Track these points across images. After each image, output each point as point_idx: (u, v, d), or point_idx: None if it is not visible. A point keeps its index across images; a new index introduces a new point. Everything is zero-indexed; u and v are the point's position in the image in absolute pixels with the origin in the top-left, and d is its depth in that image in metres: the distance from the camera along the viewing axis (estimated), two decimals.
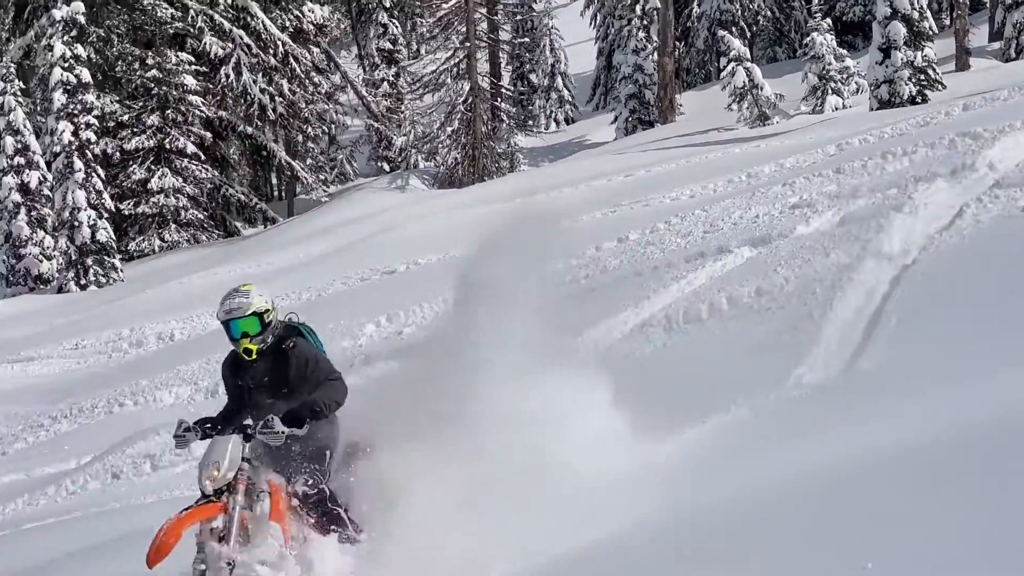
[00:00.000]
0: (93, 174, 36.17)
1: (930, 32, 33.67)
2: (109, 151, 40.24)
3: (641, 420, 8.77)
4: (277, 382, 8.22)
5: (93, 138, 36.62)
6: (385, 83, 47.14)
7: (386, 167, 46.51)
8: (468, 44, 41.09)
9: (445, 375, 8.50)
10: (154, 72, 40.83)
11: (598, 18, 52.18)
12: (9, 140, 36.29)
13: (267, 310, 8.18)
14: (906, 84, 32.68)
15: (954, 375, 8.61)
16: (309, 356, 8.25)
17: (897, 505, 6.10)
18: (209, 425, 8.13)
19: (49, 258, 36.77)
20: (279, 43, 43.56)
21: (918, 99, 32.58)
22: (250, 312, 8.10)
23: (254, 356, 8.18)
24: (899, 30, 32.79)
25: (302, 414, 7.90)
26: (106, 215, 36.49)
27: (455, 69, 41.69)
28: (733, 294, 14.25)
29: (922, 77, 33.09)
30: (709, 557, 6.32)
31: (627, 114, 43.44)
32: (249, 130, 43.96)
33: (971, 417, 7.16)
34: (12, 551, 11.94)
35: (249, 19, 43.18)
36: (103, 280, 35.75)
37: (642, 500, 7.67)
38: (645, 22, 43.87)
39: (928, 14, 33.92)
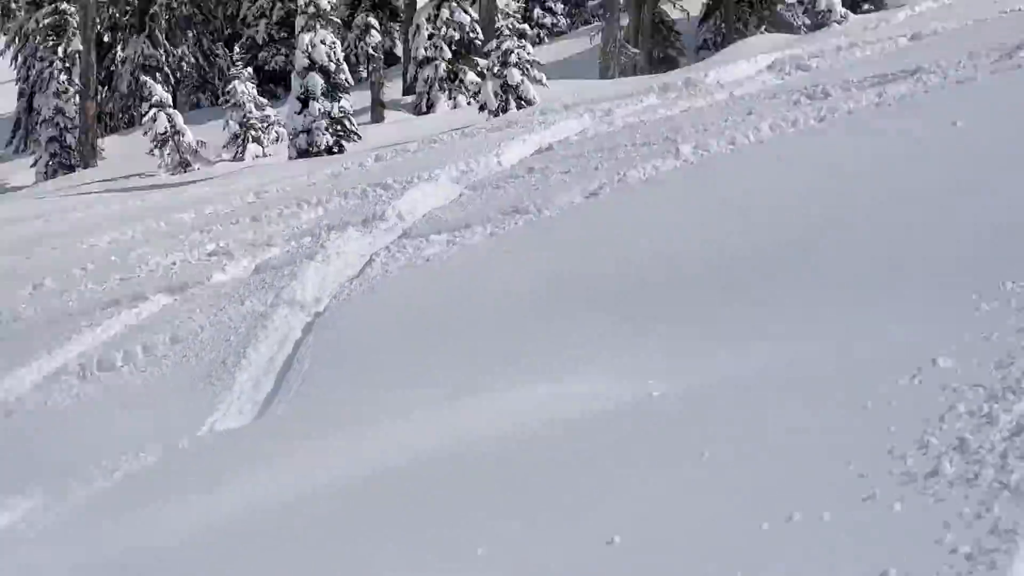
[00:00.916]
0: None
1: (347, 84, 34.78)
2: None
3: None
4: None
5: None
6: None
7: None
8: None
9: None
10: None
11: (19, 58, 50.29)
12: None
13: None
14: (324, 134, 33.58)
15: (367, 417, 9.03)
16: None
17: (300, 548, 6.37)
18: None
19: None
20: None
21: (335, 149, 33.53)
22: None
23: None
24: (317, 81, 33.70)
25: None
26: None
27: None
28: (148, 342, 14.16)
29: (339, 128, 34.06)
30: None
31: (48, 158, 42.28)
32: None
33: (385, 456, 7.56)
34: None
35: None
36: None
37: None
38: (68, 64, 42.93)
39: (345, 67, 34.94)
